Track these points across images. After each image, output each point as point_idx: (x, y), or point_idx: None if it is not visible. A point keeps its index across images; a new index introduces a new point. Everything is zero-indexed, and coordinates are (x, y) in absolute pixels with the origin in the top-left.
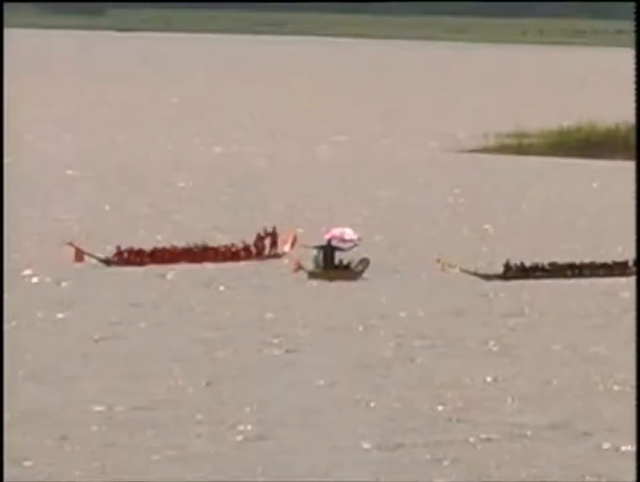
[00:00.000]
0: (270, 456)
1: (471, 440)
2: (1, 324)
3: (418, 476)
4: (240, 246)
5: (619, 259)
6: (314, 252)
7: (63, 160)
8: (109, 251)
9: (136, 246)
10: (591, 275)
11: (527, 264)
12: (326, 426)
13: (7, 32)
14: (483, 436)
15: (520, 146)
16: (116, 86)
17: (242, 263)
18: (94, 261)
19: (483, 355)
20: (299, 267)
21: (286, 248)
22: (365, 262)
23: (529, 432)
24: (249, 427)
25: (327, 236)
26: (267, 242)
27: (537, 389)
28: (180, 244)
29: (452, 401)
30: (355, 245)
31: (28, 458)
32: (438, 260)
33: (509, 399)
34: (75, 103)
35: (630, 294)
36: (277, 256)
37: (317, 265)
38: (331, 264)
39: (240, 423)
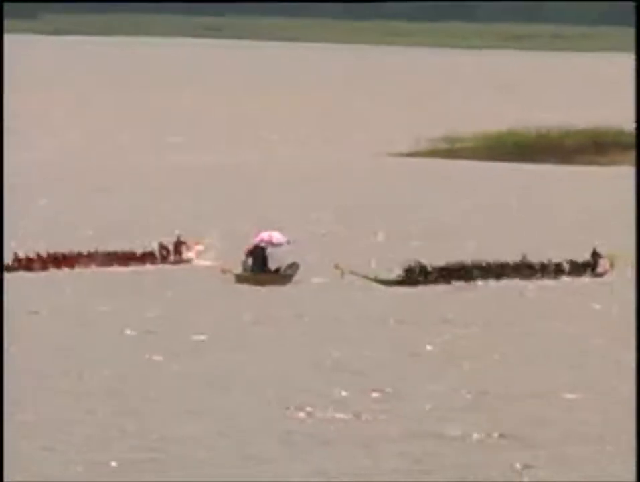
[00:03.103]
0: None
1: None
2: (1, 325)
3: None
4: (143, 251)
5: (533, 260)
6: (243, 256)
7: None
8: (6, 257)
9: (34, 252)
10: (499, 276)
11: (430, 267)
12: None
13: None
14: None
15: (451, 150)
16: (48, 89)
17: (147, 268)
18: None
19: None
20: (226, 270)
21: (191, 255)
22: (294, 266)
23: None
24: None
25: (256, 240)
26: (171, 248)
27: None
28: (83, 249)
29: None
30: (282, 246)
31: None
32: (336, 266)
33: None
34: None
35: (536, 296)
36: (182, 262)
37: (246, 269)
38: (260, 268)
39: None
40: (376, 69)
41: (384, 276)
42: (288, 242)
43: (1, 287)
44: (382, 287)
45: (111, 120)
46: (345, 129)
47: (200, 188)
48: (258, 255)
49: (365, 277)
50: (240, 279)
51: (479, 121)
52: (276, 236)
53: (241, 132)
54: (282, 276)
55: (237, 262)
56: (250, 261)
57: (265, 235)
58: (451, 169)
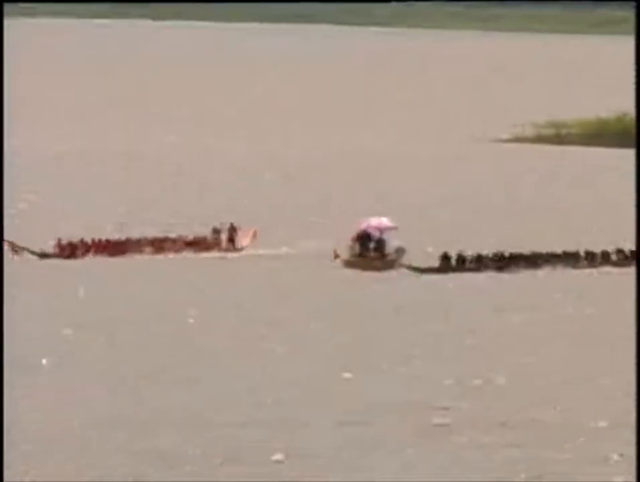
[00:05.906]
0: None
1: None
2: (1, 324)
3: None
4: (194, 237)
5: (587, 250)
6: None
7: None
8: (49, 244)
9: (76, 239)
10: (543, 265)
11: (468, 256)
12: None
13: (29, 21)
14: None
15: (557, 136)
16: (148, 75)
17: (200, 255)
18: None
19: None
20: (336, 256)
21: (245, 243)
22: (401, 251)
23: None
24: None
25: (363, 226)
26: (224, 235)
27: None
28: (133, 235)
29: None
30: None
31: None
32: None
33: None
34: (101, 92)
35: (573, 286)
36: (235, 249)
37: (353, 254)
38: (367, 253)
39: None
40: (475, 55)
41: (418, 264)
42: (396, 228)
43: (1, 281)
44: (417, 274)
45: (206, 106)
46: (448, 116)
47: (307, 172)
48: (366, 240)
49: (402, 265)
50: (348, 264)
51: (585, 107)
52: (384, 222)
53: (346, 116)
54: (389, 261)
55: (344, 247)
56: (358, 247)
57: (373, 221)
58: (557, 155)
